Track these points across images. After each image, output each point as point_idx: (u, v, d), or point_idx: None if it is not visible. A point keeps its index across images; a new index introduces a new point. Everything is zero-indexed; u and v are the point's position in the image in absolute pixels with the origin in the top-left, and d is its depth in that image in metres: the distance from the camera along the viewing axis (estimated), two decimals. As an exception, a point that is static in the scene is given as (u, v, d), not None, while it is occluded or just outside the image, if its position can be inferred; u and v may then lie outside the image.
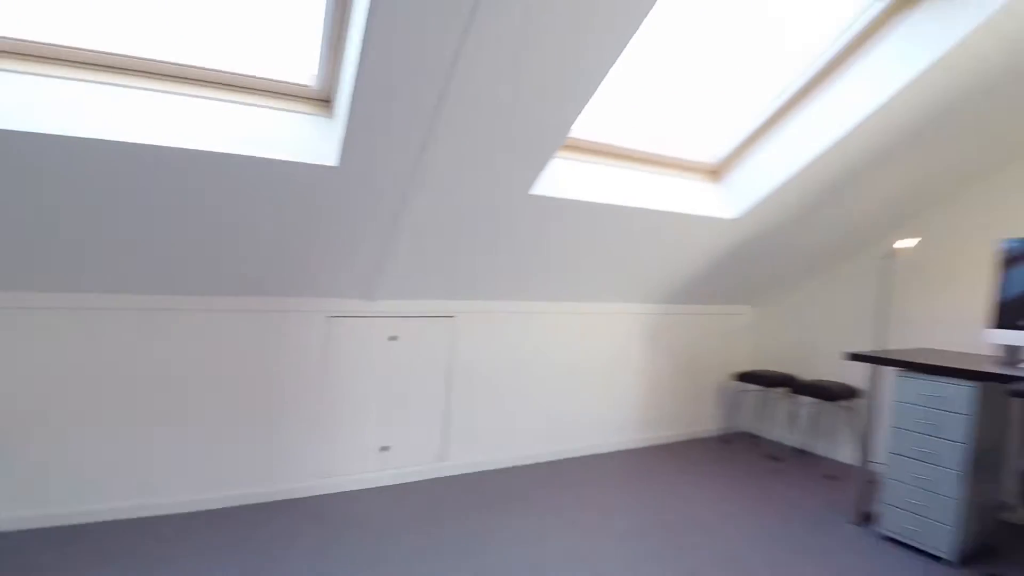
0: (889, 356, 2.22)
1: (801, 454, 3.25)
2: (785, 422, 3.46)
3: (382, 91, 1.49)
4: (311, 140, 1.72)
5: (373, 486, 2.45)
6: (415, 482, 2.53)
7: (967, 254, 2.66)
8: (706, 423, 3.58)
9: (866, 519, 2.30)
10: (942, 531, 1.97)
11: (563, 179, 2.21)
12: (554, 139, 1.85)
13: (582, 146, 2.31)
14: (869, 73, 2.01)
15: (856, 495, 2.34)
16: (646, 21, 1.47)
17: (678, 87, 2.35)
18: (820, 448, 3.26)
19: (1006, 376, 1.84)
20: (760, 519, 2.30)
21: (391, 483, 2.50)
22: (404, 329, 2.51)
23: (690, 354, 3.43)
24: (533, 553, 1.93)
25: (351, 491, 2.39)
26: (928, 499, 2.01)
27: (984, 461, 2.02)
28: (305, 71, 1.73)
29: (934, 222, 2.80)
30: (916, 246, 2.82)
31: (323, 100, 1.77)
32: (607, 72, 1.62)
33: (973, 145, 2.37)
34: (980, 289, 2.59)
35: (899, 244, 2.70)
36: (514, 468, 2.77)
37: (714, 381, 3.58)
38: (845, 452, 3.12)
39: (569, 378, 2.97)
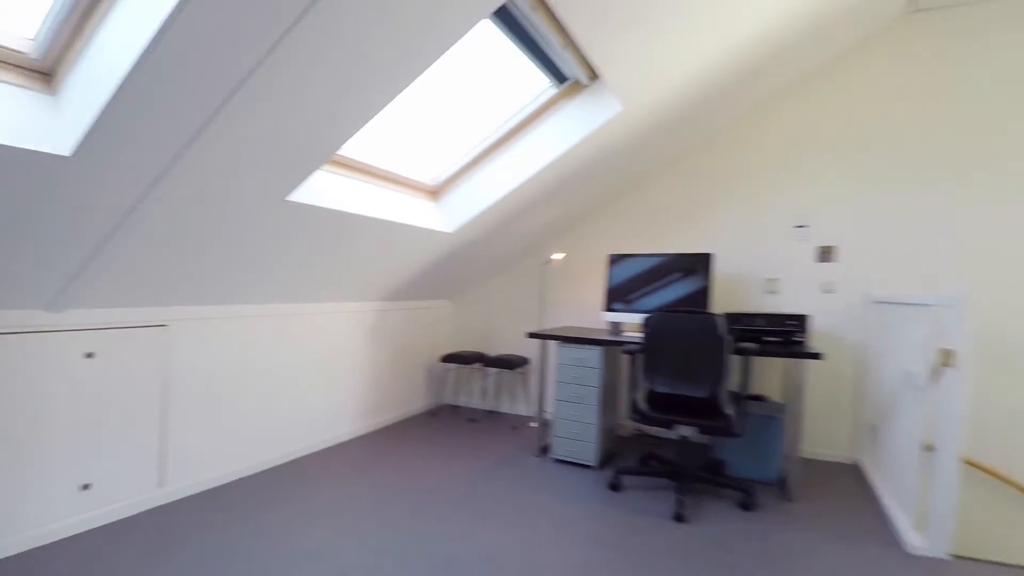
0: (554, 333, 3.16)
1: (492, 414, 4.13)
2: (479, 391, 4.32)
3: (153, 82, 1.37)
4: (28, 120, 1.39)
5: (75, 533, 2.02)
6: (130, 517, 2.19)
7: (591, 261, 3.94)
8: (419, 402, 4.12)
9: (544, 451, 3.22)
10: (589, 448, 2.98)
11: (319, 188, 2.31)
12: (323, 154, 1.97)
13: (336, 159, 2.45)
14: (547, 136, 2.83)
15: (536, 436, 3.24)
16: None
17: (414, 118, 2.74)
18: (505, 407, 4.22)
19: (616, 341, 2.93)
20: (471, 464, 2.94)
21: (99, 524, 2.10)
22: (104, 343, 2.13)
23: (402, 343, 3.89)
24: (278, 557, 1.96)
25: (45, 545, 1.92)
26: (580, 428, 3.00)
27: (608, 398, 3.13)
28: (19, 34, 1.38)
29: (573, 239, 4.02)
30: (563, 257, 4.00)
31: (43, 73, 1.43)
32: (387, 104, 1.87)
33: (594, 191, 3.55)
34: (598, 284, 3.89)
35: (554, 255, 3.80)
36: (246, 479, 2.67)
37: (423, 365, 4.14)
38: (523, 407, 4.14)
39: (295, 379, 3.01)
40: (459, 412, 4.16)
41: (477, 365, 4.27)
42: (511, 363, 3.81)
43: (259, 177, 1.91)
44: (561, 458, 3.06)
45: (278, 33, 1.37)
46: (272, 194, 2.05)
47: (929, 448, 2.21)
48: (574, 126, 2.75)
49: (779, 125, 3.41)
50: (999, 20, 2.95)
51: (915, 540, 2.15)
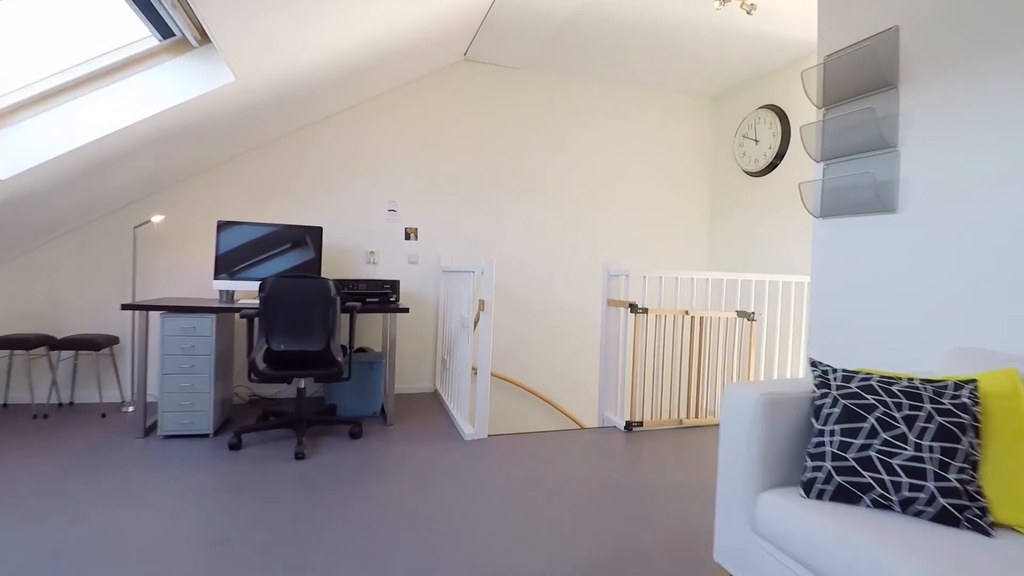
0: (159, 303, 2.95)
1: (72, 407, 3.43)
2: (49, 383, 3.49)
3: None
4: None
5: None
6: None
7: (198, 227, 3.72)
8: (-68, 408, 3.03)
9: (150, 431, 2.98)
10: (204, 417, 2.95)
11: None
12: None
13: None
14: (144, 88, 2.59)
15: (136, 418, 2.96)
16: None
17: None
18: (90, 396, 3.56)
19: (231, 308, 2.99)
20: (55, 459, 2.50)
21: None
22: None
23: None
24: None
25: None
26: (193, 399, 2.94)
27: (222, 366, 3.14)
28: None
29: (176, 201, 3.69)
30: (162, 220, 3.63)
31: None
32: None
33: (201, 154, 3.39)
34: (206, 252, 3.73)
35: (153, 217, 3.42)
36: None
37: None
38: (115, 393, 3.59)
39: None
40: (20, 411, 3.29)
41: (42, 350, 3.43)
42: (95, 343, 3.27)
43: None
44: (172, 433, 2.93)
45: None
46: None
47: (474, 370, 3.26)
48: (177, 85, 2.63)
49: (381, 122, 4.07)
50: (518, 83, 4.38)
51: (468, 431, 3.15)
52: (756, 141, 4.39)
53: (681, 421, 3.45)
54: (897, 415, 1.31)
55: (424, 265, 4.22)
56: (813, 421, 1.44)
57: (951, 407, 1.29)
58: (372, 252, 4.09)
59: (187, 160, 3.39)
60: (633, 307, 3.31)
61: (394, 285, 3.55)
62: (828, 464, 1.33)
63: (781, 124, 4.13)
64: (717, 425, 3.48)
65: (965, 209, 1.77)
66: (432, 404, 3.88)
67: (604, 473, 2.64)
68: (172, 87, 2.61)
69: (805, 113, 3.95)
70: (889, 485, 1.24)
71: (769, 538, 1.38)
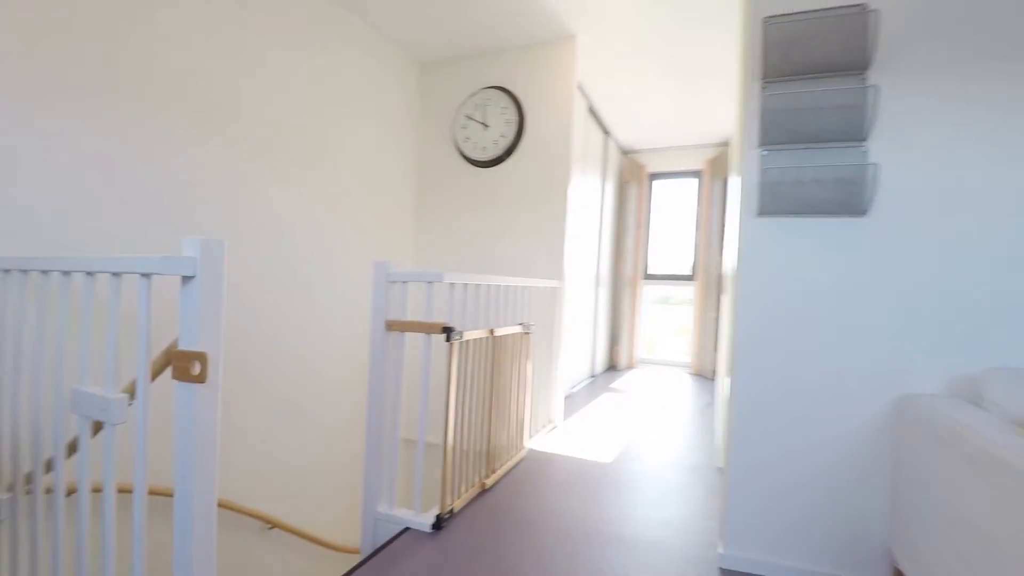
0: None
1: None
2: None
3: None
4: None
5: None
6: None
7: None
8: None
9: None
10: None
11: None
12: None
13: None
14: None
15: None
16: None
17: None
18: None
19: None
20: None
21: None
22: None
23: None
24: None
25: None
26: None
27: None
28: None
29: None
30: None
31: None
32: None
33: None
34: None
35: None
36: None
37: None
38: None
39: None
40: None
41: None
42: None
43: None
44: None
45: None
46: None
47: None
48: None
49: None
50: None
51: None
52: (485, 126, 3.78)
53: (484, 484, 2.47)
54: None
55: None
56: None
57: None
58: None
59: None
60: (448, 332, 2.10)
61: None
62: None
63: (518, 112, 3.68)
64: (516, 467, 2.65)
65: (943, 218, 1.65)
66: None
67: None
68: None
69: (537, 105, 3.62)
70: None
71: None
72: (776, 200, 1.83)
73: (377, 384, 2.18)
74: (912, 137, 1.68)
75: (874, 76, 1.71)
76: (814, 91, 1.75)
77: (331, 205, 3.29)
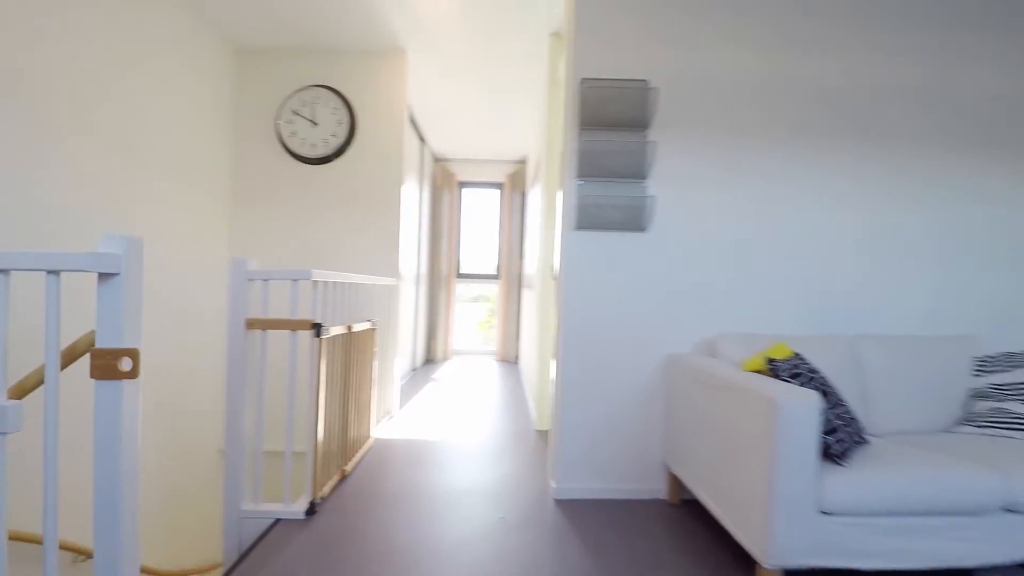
0: None
1: None
2: None
3: None
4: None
5: None
6: None
7: None
8: None
9: None
10: None
11: None
12: None
13: None
14: None
15: None
16: None
17: None
18: None
19: None
20: None
21: None
22: None
23: None
24: None
25: None
26: None
27: None
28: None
29: None
30: None
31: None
32: None
33: None
34: None
35: None
36: None
37: None
38: None
39: None
40: None
41: None
42: None
43: None
44: None
45: None
46: None
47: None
48: None
49: None
50: None
51: None
52: (314, 123, 3.78)
53: (344, 471, 2.61)
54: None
55: None
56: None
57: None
58: None
59: None
60: (317, 328, 2.22)
61: None
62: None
63: (349, 114, 3.78)
64: (367, 454, 2.83)
65: (689, 230, 2.46)
66: None
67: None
68: None
69: (369, 109, 3.80)
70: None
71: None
72: (587, 218, 2.44)
73: (237, 382, 2.17)
74: (673, 174, 2.45)
75: (652, 133, 2.43)
76: (614, 140, 2.40)
77: (132, 184, 2.96)
